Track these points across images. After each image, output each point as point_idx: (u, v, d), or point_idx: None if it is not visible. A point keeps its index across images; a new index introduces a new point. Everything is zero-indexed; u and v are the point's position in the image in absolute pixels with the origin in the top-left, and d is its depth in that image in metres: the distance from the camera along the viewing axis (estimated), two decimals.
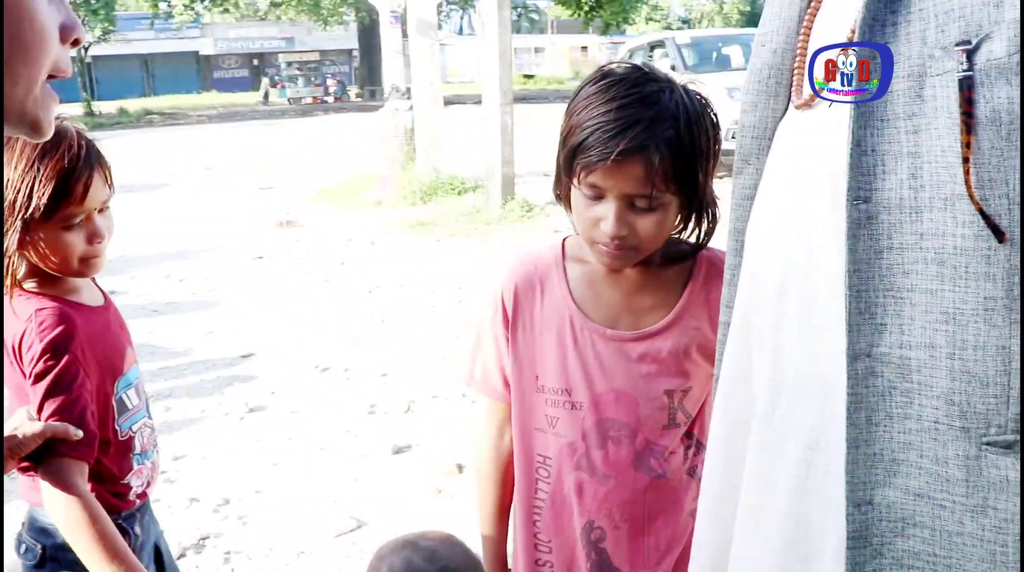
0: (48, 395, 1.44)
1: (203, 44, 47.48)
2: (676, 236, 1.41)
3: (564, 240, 1.51)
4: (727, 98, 10.59)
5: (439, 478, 3.56)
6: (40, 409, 1.44)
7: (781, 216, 1.02)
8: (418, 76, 10.88)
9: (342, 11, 33.14)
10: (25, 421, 1.42)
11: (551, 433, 1.45)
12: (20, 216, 1.41)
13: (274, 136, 20.41)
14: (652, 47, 13.28)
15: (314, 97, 36.67)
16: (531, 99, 29.71)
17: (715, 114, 1.36)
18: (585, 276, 1.44)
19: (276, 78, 38.73)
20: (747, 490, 1.06)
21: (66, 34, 0.77)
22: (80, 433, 1.43)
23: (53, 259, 1.48)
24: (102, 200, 1.50)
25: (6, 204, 1.41)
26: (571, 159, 1.30)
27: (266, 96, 35.84)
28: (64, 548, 1.46)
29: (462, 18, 50.72)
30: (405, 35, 11.28)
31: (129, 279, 7.22)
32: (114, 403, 1.57)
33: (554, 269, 1.46)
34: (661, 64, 12.24)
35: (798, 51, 1.04)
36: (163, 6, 32.75)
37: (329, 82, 37.35)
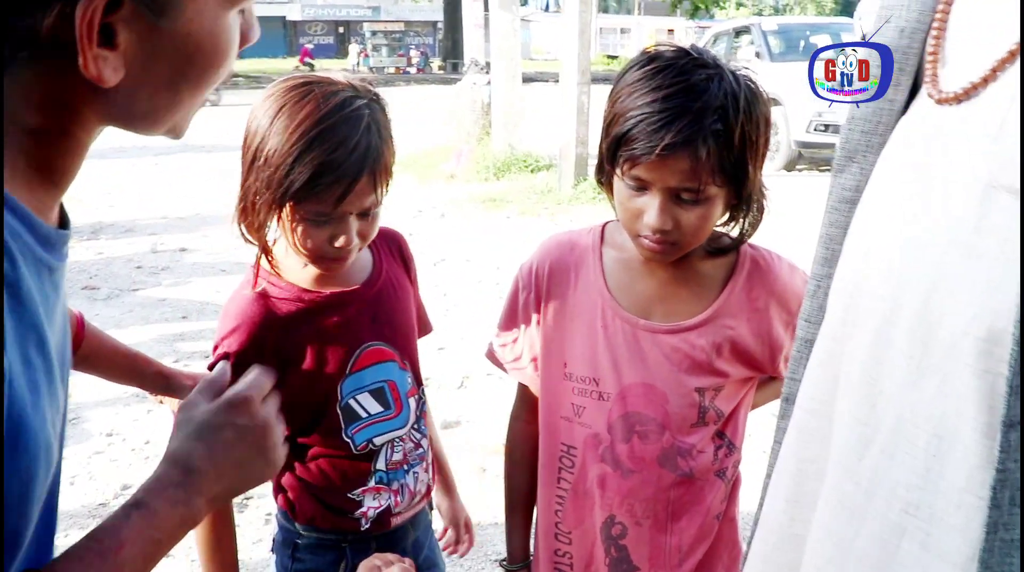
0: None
1: (291, 10, 48.13)
2: (719, 228, 1.35)
3: (605, 225, 1.46)
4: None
5: (485, 457, 3.55)
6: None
7: (901, 229, 0.85)
8: (498, 51, 10.83)
9: None
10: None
11: (576, 422, 1.41)
12: (272, 190, 1.22)
13: None
14: (737, 33, 12.99)
15: (397, 67, 36.95)
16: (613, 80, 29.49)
17: (767, 100, 1.28)
18: (621, 263, 1.40)
19: (361, 47, 39.03)
20: (816, 545, 0.91)
21: (244, 41, 0.78)
22: None
23: (292, 241, 1.30)
24: (363, 206, 1.27)
25: (259, 164, 1.23)
26: (614, 150, 1.25)
27: (358, 64, 36.04)
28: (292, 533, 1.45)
29: None
30: (488, 9, 11.24)
31: (201, 237, 7.35)
32: (339, 409, 1.39)
33: (590, 254, 1.42)
34: (745, 51, 11.99)
35: (934, 31, 0.87)
36: None
37: (412, 53, 37.59)
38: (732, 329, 1.35)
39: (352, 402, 1.40)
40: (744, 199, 1.30)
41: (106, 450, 3.64)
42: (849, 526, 0.85)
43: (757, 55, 11.78)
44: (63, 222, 0.79)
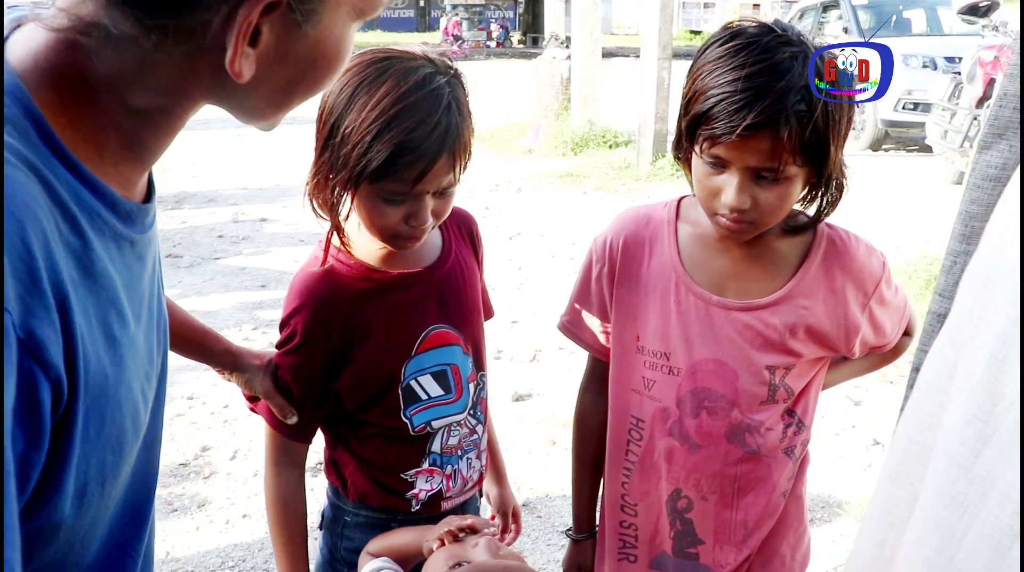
0: (277, 365, 1.38)
1: None
2: (797, 206, 1.34)
3: (680, 200, 1.46)
4: (901, 65, 10.04)
5: (555, 429, 3.57)
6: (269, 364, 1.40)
7: None
8: (578, 26, 10.76)
9: None
10: (259, 375, 1.39)
11: (646, 396, 1.42)
12: (349, 169, 1.21)
13: None
14: (825, 8, 12.59)
15: (477, 41, 36.88)
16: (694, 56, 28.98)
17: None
18: (696, 239, 1.39)
19: (451, 18, 39.07)
20: (923, 534, 0.87)
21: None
22: (294, 419, 1.37)
23: (365, 219, 1.30)
24: (440, 186, 1.26)
25: (335, 140, 1.23)
26: (694, 128, 1.24)
27: (455, 38, 35.66)
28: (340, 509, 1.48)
29: None
30: None
31: (281, 208, 7.49)
32: (399, 390, 1.39)
33: (665, 228, 1.42)
34: (833, 27, 11.68)
35: None
36: None
37: (492, 26, 37.47)
38: (806, 309, 1.34)
39: (413, 384, 1.39)
40: (824, 178, 1.28)
41: (187, 413, 3.77)
42: (960, 521, 0.82)
43: (845, 31, 11.46)
44: (149, 194, 0.82)
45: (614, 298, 1.45)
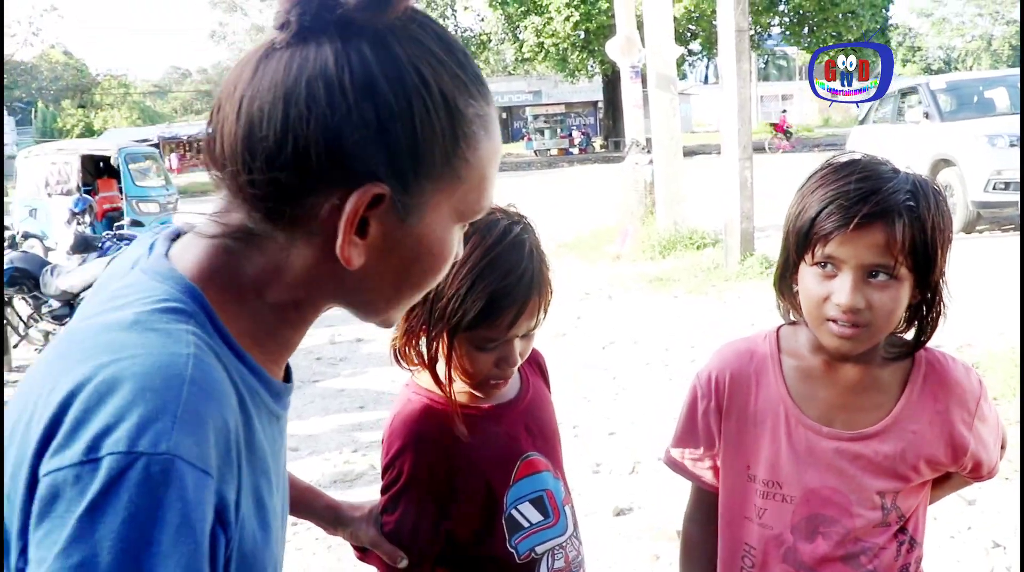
0: (384, 509, 1.42)
1: None
2: (897, 334, 1.38)
3: (778, 330, 1.50)
4: (987, 146, 9.93)
5: (658, 543, 3.53)
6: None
7: None
8: (658, 130, 10.94)
9: (588, 64, 33.87)
10: (362, 526, 1.43)
11: (757, 523, 1.44)
12: (446, 321, 1.29)
13: (518, 187, 21.07)
14: (903, 94, 12.57)
15: (560, 149, 37.66)
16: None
17: (945, 198, 1.33)
18: (801, 371, 1.43)
19: (524, 130, 40.04)
20: None
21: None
22: (404, 562, 1.38)
23: (458, 366, 1.36)
24: (528, 328, 1.34)
25: (441, 303, 1.29)
26: (806, 232, 1.30)
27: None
28: None
29: (707, 67, 50.42)
30: (646, 86, 11.41)
31: (375, 327, 7.66)
32: (503, 520, 1.41)
33: (770, 362, 1.46)
34: (913, 113, 11.62)
35: None
36: None
37: (574, 134, 38.24)
38: (915, 433, 1.36)
39: (515, 512, 1.42)
40: (929, 293, 1.33)
41: (292, 539, 3.86)
42: None
43: (926, 115, 11.41)
44: (287, 376, 0.92)
45: (723, 431, 1.48)
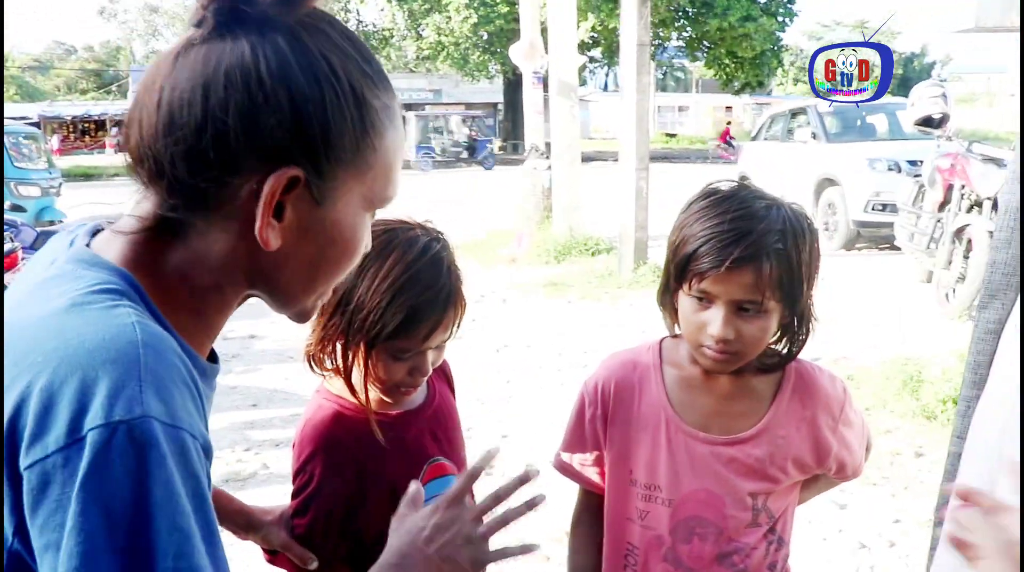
0: (295, 513, 1.45)
1: None
2: (770, 346, 1.48)
3: (660, 343, 1.59)
4: (868, 168, 10.43)
5: (548, 545, 3.61)
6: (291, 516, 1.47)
7: None
8: (557, 137, 11.10)
9: (490, 66, 33.99)
10: (273, 530, 1.46)
11: (640, 524, 1.53)
12: (364, 332, 1.34)
13: (415, 188, 20.99)
14: (793, 114, 13.16)
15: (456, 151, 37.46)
16: (673, 158, 29.64)
17: (815, 231, 1.44)
18: (681, 380, 1.53)
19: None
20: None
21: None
22: (315, 564, 1.42)
23: (372, 374, 1.40)
24: (442, 340, 1.41)
25: (348, 306, 1.34)
26: (683, 267, 1.39)
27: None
28: None
29: (607, 75, 51.19)
30: (547, 91, 11.55)
31: (269, 324, 7.54)
32: None
33: (652, 372, 1.55)
34: (801, 133, 12.11)
35: None
36: None
37: (473, 132, 38.14)
38: (784, 438, 1.48)
39: None
40: (796, 318, 1.44)
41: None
42: None
43: (813, 136, 11.91)
44: (212, 359, 0.96)
45: (608, 437, 1.57)
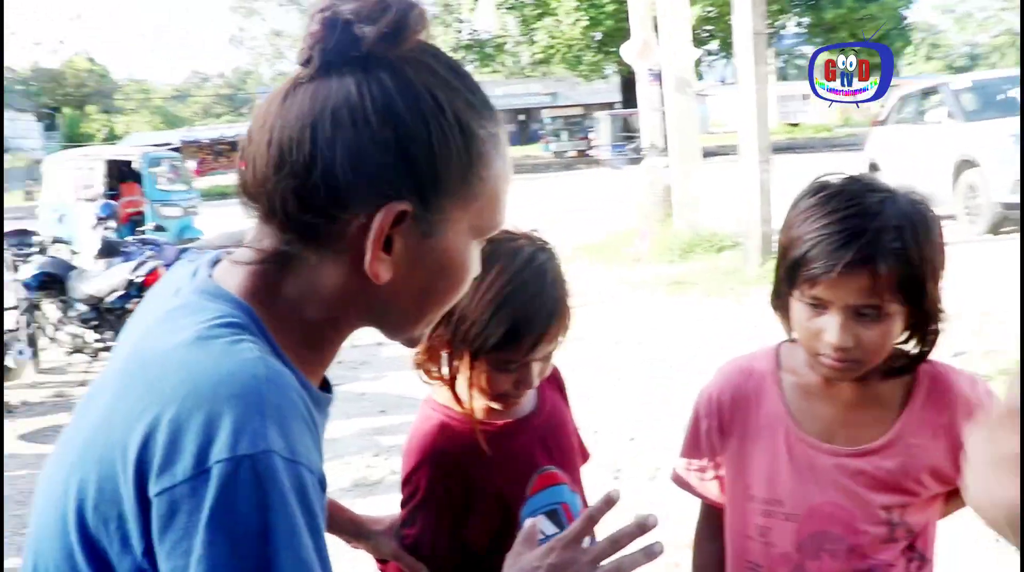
0: (403, 523, 1.44)
1: None
2: (897, 347, 1.37)
3: (778, 348, 1.51)
4: (1013, 146, 9.83)
5: (678, 551, 3.54)
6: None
7: None
8: (675, 133, 10.93)
9: (604, 66, 33.81)
10: (384, 539, 1.46)
11: (760, 542, 1.45)
12: (468, 343, 1.32)
13: (536, 190, 21.04)
14: (925, 94, 12.45)
15: (578, 150, 37.53)
16: (796, 149, 28.80)
17: (938, 220, 1.32)
18: (801, 388, 1.44)
19: (540, 132, 39.96)
20: None
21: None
22: None
23: (477, 384, 1.38)
24: (547, 352, 1.38)
25: (464, 326, 1.31)
26: (793, 272, 1.31)
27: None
28: None
29: (725, 67, 50.22)
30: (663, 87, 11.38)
31: None
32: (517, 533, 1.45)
33: (769, 379, 1.47)
34: (935, 113, 11.53)
35: None
36: None
37: (592, 135, 38.09)
38: (919, 447, 1.36)
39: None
40: (923, 317, 1.32)
41: None
42: None
43: (949, 115, 11.33)
44: (326, 388, 0.98)
45: (725, 450, 1.50)
